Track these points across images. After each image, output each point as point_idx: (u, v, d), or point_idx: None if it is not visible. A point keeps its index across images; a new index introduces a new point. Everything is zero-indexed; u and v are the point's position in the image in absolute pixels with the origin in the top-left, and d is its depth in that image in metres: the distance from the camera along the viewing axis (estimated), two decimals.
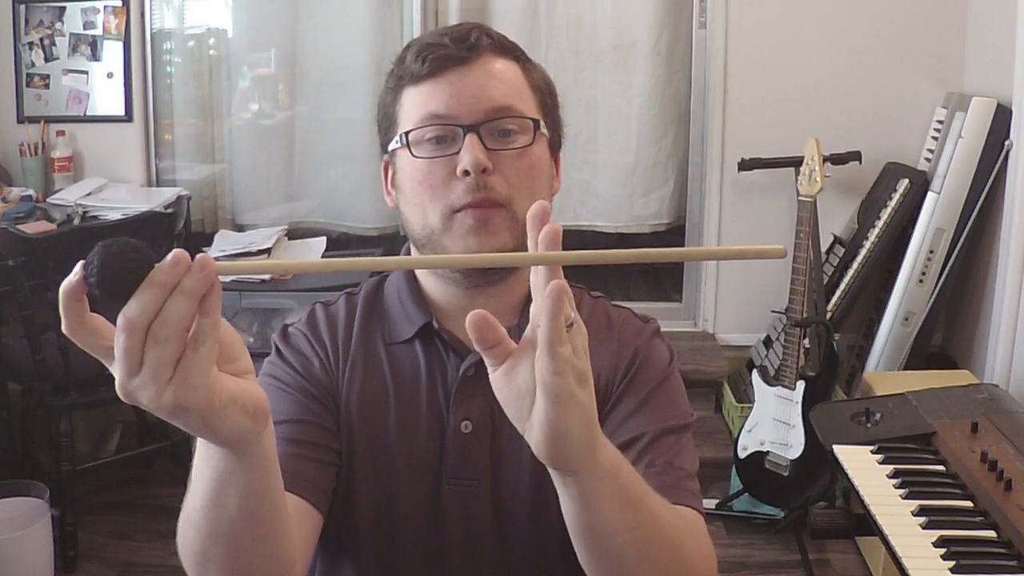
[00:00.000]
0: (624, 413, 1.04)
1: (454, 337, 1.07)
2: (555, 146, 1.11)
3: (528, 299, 1.06)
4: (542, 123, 1.05)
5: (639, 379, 1.05)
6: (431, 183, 1.01)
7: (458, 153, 1.00)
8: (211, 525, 0.78)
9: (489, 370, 0.73)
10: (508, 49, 1.07)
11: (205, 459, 0.74)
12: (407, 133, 1.03)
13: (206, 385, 0.63)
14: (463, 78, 1.02)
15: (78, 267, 0.61)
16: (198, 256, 0.63)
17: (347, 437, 1.06)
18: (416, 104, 1.03)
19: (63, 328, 0.62)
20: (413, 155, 1.02)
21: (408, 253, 1.12)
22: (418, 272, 1.11)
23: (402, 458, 1.05)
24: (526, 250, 0.70)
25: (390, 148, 1.07)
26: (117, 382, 0.63)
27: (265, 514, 0.78)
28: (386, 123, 1.08)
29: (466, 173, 0.99)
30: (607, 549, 0.80)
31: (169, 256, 0.62)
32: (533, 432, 0.71)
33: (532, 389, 0.69)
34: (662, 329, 1.13)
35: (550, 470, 0.75)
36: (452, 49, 1.02)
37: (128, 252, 0.61)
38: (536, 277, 0.69)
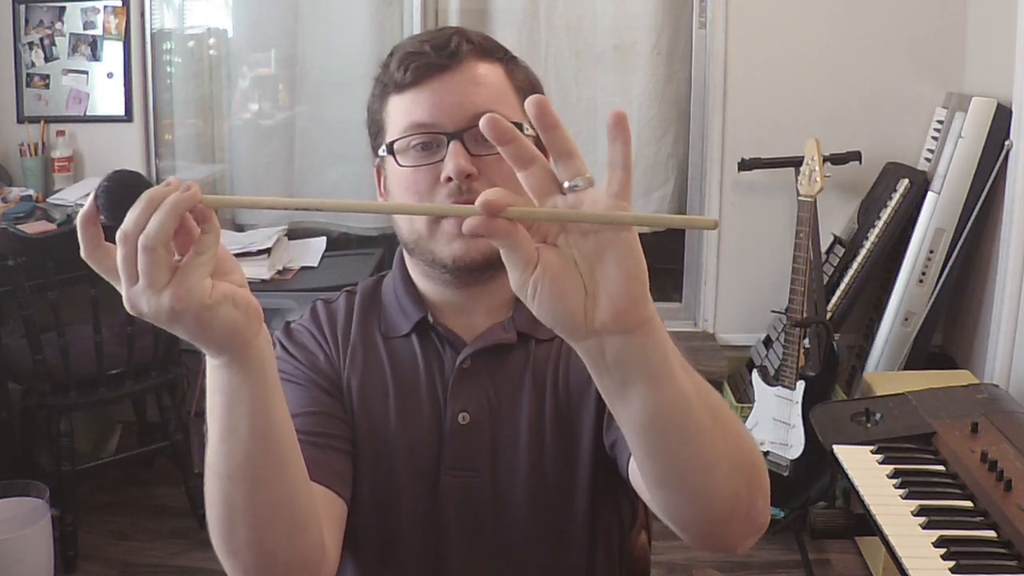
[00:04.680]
0: None
1: (450, 331, 1.09)
2: (542, 145, 1.10)
3: (512, 299, 1.08)
4: (525, 125, 1.04)
5: None
6: (417, 190, 1.03)
7: (443, 160, 1.01)
8: (229, 460, 0.80)
9: (520, 273, 0.66)
10: (490, 51, 1.07)
11: (212, 384, 0.79)
12: (392, 143, 1.04)
13: (200, 287, 0.70)
14: (445, 85, 1.03)
15: (91, 196, 0.71)
16: (187, 181, 0.71)
17: (349, 427, 1.07)
18: (400, 113, 1.04)
19: (82, 254, 0.71)
20: (399, 164, 1.04)
21: (401, 254, 1.15)
22: (412, 272, 1.13)
23: (402, 449, 1.07)
24: None
25: (379, 154, 1.09)
26: (123, 294, 0.71)
27: (275, 435, 0.81)
28: (375, 129, 1.10)
29: (450, 179, 1.00)
30: (689, 425, 0.73)
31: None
32: (611, 287, 0.66)
33: (591, 251, 0.66)
34: None
35: (637, 347, 0.68)
36: (433, 57, 1.03)
37: (128, 178, 0.72)
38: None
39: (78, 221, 0.71)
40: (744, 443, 0.80)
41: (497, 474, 1.06)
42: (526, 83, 1.09)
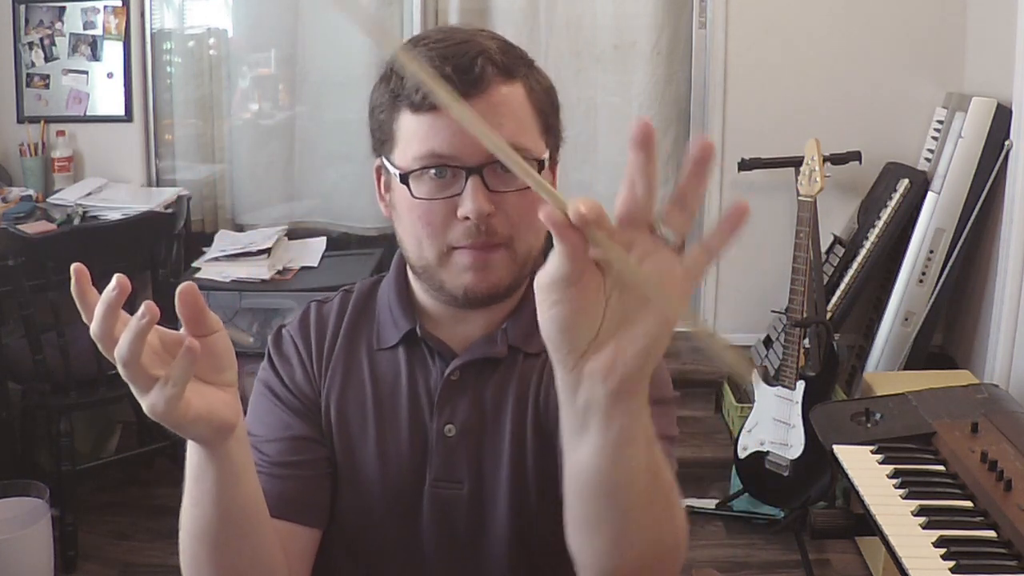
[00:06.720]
0: None
1: (439, 342, 1.07)
2: (554, 160, 1.06)
3: (509, 313, 1.06)
4: (546, 160, 1.01)
5: None
6: (430, 220, 0.98)
7: (459, 195, 0.96)
8: (195, 524, 0.88)
9: (552, 279, 0.64)
10: (512, 70, 0.99)
11: (188, 455, 0.85)
12: (407, 173, 0.98)
13: (175, 410, 0.76)
14: None
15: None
16: (144, 303, 0.73)
17: (328, 443, 1.07)
18: (417, 137, 0.97)
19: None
20: (413, 195, 0.98)
21: (401, 259, 1.10)
22: (411, 279, 1.10)
23: (382, 464, 1.06)
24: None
25: (388, 168, 1.03)
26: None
27: (239, 511, 0.88)
28: (380, 132, 1.03)
29: (467, 218, 0.96)
30: (621, 495, 0.74)
31: (113, 280, 0.73)
32: (622, 348, 0.65)
33: (631, 307, 0.66)
34: None
35: (609, 408, 0.67)
36: (456, 82, 0.94)
37: None
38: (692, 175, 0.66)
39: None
40: (669, 533, 0.81)
41: (479, 487, 1.05)
42: (544, 99, 1.03)
